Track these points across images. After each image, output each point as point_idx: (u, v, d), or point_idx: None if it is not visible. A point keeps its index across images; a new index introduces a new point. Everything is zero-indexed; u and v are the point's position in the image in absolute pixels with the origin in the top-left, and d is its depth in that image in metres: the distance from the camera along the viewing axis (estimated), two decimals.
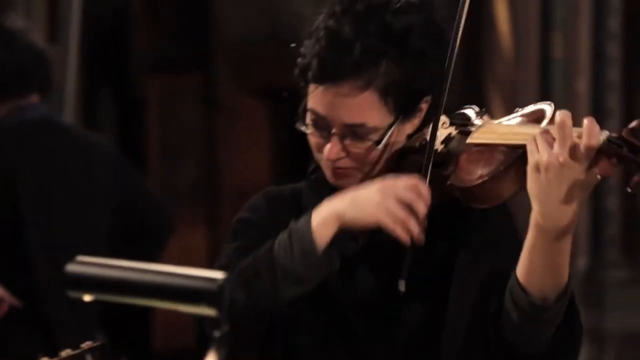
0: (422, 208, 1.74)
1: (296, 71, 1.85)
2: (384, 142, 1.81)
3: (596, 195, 6.31)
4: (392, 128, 1.82)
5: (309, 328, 1.85)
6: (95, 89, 6.76)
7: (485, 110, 1.90)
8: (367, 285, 1.84)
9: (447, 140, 1.80)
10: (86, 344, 1.70)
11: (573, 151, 1.66)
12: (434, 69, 1.82)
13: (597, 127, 1.68)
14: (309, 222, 1.78)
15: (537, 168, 1.67)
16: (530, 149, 1.68)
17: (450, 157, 1.80)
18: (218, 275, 1.34)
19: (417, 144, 1.85)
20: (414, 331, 1.82)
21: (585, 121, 1.69)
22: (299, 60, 1.83)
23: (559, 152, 1.66)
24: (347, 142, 1.82)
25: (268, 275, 1.79)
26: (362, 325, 1.85)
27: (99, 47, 6.63)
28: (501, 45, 6.05)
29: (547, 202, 1.67)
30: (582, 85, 6.17)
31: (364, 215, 1.75)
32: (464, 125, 1.83)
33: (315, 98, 1.83)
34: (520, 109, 1.86)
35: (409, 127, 1.86)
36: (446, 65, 1.79)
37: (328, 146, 1.82)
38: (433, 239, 1.82)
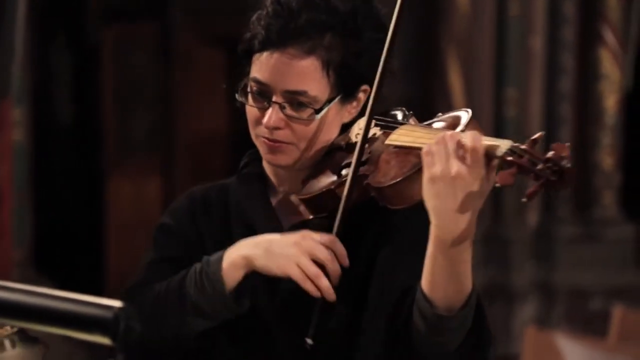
0: (335, 267, 1.76)
1: (240, 47, 1.87)
2: (323, 112, 1.83)
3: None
4: (332, 103, 1.84)
5: (228, 338, 1.86)
6: (49, 38, 6.69)
7: (412, 113, 1.91)
8: (289, 293, 1.84)
9: (372, 140, 1.83)
10: (4, 329, 1.68)
11: (463, 161, 1.66)
12: (374, 54, 1.84)
13: (477, 132, 1.69)
14: (220, 261, 1.80)
15: (432, 180, 1.67)
16: (425, 160, 1.68)
17: (371, 158, 1.82)
18: (114, 303, 1.33)
19: (343, 143, 1.88)
20: (335, 338, 1.82)
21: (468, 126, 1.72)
22: (245, 35, 1.86)
23: (451, 163, 1.65)
24: (287, 111, 1.84)
25: (177, 307, 1.82)
26: (282, 333, 1.86)
27: None
28: (458, 2, 6.06)
29: (443, 212, 1.67)
30: (537, 43, 6.20)
31: (274, 265, 1.77)
32: (388, 127, 1.85)
33: (259, 66, 1.85)
34: (441, 114, 1.86)
35: (346, 113, 1.89)
36: (380, 67, 1.81)
37: (268, 113, 1.84)
38: (354, 241, 1.82)
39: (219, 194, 1.95)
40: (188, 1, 6.82)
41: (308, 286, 1.77)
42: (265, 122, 1.84)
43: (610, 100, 6.39)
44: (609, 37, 6.35)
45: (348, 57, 1.83)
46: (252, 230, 1.87)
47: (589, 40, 6.34)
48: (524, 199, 1.64)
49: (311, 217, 1.87)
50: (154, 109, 6.93)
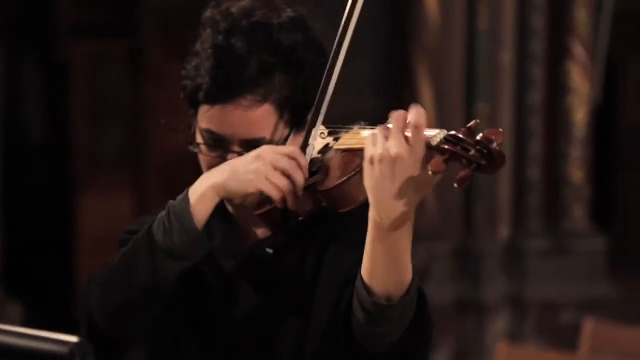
0: (299, 176, 1.76)
1: (183, 94, 1.82)
2: None
3: (518, 166, 6.40)
4: (288, 140, 1.82)
5: (187, 344, 1.85)
6: (18, 55, 6.67)
7: (369, 123, 1.87)
8: (247, 302, 1.84)
9: (324, 149, 1.81)
10: None
11: (405, 143, 1.64)
12: (319, 79, 1.83)
13: (421, 109, 1.66)
14: (186, 198, 1.77)
15: (371, 161, 1.65)
16: (367, 143, 1.66)
17: (322, 166, 1.81)
18: (70, 338, 1.31)
19: None
20: (293, 343, 1.82)
21: (412, 105, 1.68)
22: (186, 82, 1.82)
23: (391, 144, 1.63)
24: None
25: (147, 255, 1.77)
26: (241, 341, 1.85)
27: (24, 11, 6.54)
28: (428, 16, 6.08)
29: (381, 195, 1.64)
30: (507, 56, 6.23)
31: (244, 184, 1.75)
32: (338, 134, 1.83)
33: (211, 118, 1.80)
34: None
35: (300, 139, 1.86)
36: (324, 78, 1.78)
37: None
38: (301, 250, 1.82)
39: None
40: (159, 17, 6.82)
41: (275, 195, 1.75)
42: None
43: (580, 114, 6.43)
44: (578, 49, 6.39)
45: (297, 91, 1.80)
46: (210, 254, 1.85)
47: (557, 54, 6.39)
48: (455, 185, 1.61)
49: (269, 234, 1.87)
50: (125, 125, 6.92)
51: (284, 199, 1.76)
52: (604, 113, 6.85)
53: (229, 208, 1.88)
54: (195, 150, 1.83)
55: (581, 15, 6.40)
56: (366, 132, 1.78)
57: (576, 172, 6.42)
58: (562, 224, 6.44)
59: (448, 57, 6.12)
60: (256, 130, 1.79)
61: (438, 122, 6.19)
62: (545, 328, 6.02)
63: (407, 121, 1.63)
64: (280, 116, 1.80)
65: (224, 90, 1.77)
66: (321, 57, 1.83)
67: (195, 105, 1.83)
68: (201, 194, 1.76)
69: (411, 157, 1.62)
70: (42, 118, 6.95)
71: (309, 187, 1.79)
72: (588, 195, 6.48)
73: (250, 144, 1.79)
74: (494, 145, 1.61)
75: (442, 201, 5.87)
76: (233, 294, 1.85)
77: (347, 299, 1.75)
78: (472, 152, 1.60)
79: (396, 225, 1.65)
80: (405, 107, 1.85)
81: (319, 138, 1.82)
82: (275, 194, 1.75)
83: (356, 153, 1.74)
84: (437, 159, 1.62)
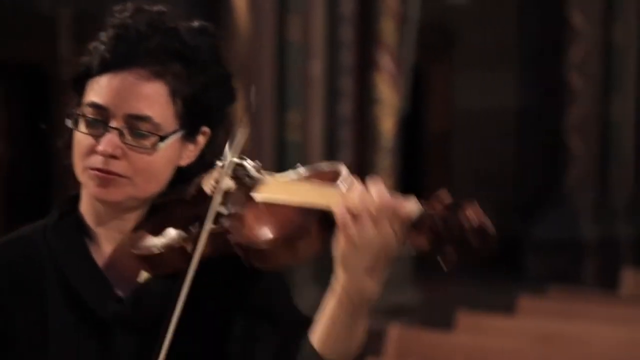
0: None
1: (74, 72, 1.73)
2: (167, 140, 1.72)
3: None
4: (176, 134, 1.73)
5: None
6: None
7: (261, 165, 1.80)
8: (125, 351, 1.74)
9: (227, 195, 1.71)
10: None
11: (390, 230, 1.60)
12: (218, 91, 1.78)
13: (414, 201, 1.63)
14: None
15: (355, 242, 1.60)
16: (342, 221, 1.60)
17: (232, 213, 1.70)
18: None
19: (187, 196, 1.76)
20: None
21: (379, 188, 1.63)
22: (81, 60, 1.73)
23: (381, 228, 1.60)
24: (127, 139, 1.71)
25: None
26: None
27: None
28: (238, 26, 6.12)
29: (357, 272, 1.62)
30: (317, 67, 6.33)
31: None
32: (244, 179, 1.74)
33: (97, 89, 1.71)
34: (301, 167, 1.77)
35: (184, 156, 1.77)
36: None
37: (105, 139, 1.69)
38: (204, 296, 1.73)
39: (26, 246, 1.78)
40: None
41: None
42: (101, 148, 1.70)
43: (387, 124, 6.59)
44: (386, 60, 6.55)
45: (195, 89, 1.74)
46: (77, 297, 1.75)
47: (366, 65, 6.53)
48: (443, 265, 1.59)
49: (148, 275, 1.75)
50: None
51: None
52: (411, 121, 7.04)
53: (101, 249, 1.78)
54: (72, 126, 1.71)
55: (388, 27, 6.56)
56: (296, 187, 1.69)
57: (384, 181, 6.57)
58: None
59: (259, 67, 6.17)
60: (144, 106, 1.70)
61: (250, 131, 6.23)
62: None
63: (399, 212, 1.60)
64: (173, 103, 1.73)
65: (120, 58, 1.70)
66: (221, 69, 1.79)
67: (81, 88, 1.74)
68: None
69: (397, 240, 1.61)
70: None
71: (215, 235, 1.67)
72: None
73: (134, 122, 1.70)
74: (490, 229, 1.57)
75: None
76: (110, 343, 1.74)
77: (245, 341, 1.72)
78: (458, 233, 1.56)
79: (366, 298, 1.65)
80: None
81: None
82: None
83: (289, 209, 1.65)
84: (420, 240, 1.59)
